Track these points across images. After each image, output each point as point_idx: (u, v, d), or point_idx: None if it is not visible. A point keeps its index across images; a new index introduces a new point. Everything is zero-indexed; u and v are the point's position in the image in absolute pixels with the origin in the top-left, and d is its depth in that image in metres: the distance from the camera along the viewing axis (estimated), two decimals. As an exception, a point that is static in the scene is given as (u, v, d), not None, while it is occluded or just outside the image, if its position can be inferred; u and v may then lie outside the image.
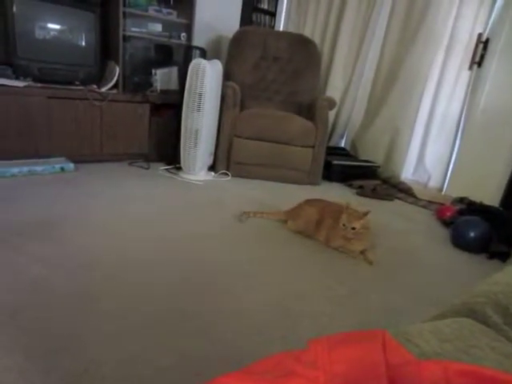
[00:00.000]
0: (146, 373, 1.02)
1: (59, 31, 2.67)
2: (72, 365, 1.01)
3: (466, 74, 3.18)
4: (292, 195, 2.89)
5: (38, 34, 2.57)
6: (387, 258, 1.97)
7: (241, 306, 1.39)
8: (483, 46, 3.04)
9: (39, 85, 2.58)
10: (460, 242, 2.26)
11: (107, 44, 2.96)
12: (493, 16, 3.00)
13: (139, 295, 1.36)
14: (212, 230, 2.03)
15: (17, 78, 2.54)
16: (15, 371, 0.97)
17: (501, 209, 2.66)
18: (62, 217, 1.91)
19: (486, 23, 3.04)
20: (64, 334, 1.12)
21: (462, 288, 1.73)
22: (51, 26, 2.62)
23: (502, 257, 2.11)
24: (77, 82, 2.79)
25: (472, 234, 2.21)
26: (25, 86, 2.49)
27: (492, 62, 2.97)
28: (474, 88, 3.12)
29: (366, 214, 1.86)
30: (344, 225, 1.86)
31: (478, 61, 3.08)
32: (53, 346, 1.07)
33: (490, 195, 2.92)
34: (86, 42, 2.79)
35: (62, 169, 2.61)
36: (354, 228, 1.84)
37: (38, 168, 2.50)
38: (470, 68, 3.14)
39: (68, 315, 1.21)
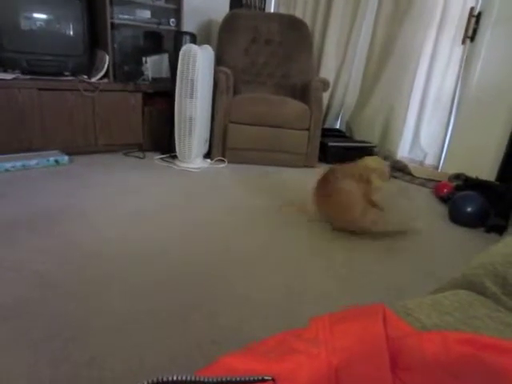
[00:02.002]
0: (159, 360, 1.03)
1: (45, 21, 2.62)
2: (79, 356, 1.02)
3: (459, 49, 3.15)
4: (289, 178, 2.89)
5: (24, 24, 2.51)
6: (387, 236, 1.98)
7: (246, 291, 1.40)
8: (475, 20, 3.00)
9: (28, 77, 2.54)
10: (458, 218, 2.27)
11: (95, 33, 2.91)
12: (485, -12, 2.95)
13: (142, 286, 1.37)
14: (212, 216, 2.04)
15: (4, 71, 2.50)
16: (23, 364, 0.98)
17: (497, 183, 2.67)
18: (58, 210, 1.91)
19: (479, -4, 3.00)
20: (70, 326, 1.13)
21: (461, 262, 1.75)
22: (37, 15, 2.57)
23: (499, 230, 2.13)
24: (66, 73, 2.75)
25: (469, 209, 2.22)
26: (13, 79, 2.45)
27: (485, 36, 2.94)
28: (467, 63, 3.09)
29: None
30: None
31: (471, 35, 3.04)
32: (58, 338, 1.08)
33: (486, 170, 2.93)
34: (73, 32, 2.74)
35: (57, 162, 2.59)
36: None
37: (32, 162, 2.48)
38: (463, 43, 3.11)
39: (73, 307, 1.21)
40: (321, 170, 1.95)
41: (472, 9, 3.02)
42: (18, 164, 2.43)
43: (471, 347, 0.37)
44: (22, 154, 2.52)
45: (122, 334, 1.11)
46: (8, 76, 2.44)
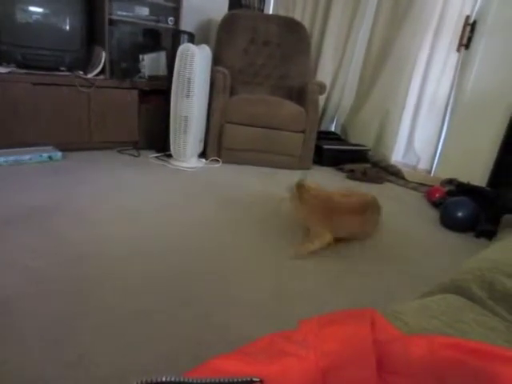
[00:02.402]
0: (145, 360, 1.03)
1: (42, 14, 2.60)
2: (68, 354, 1.02)
3: (454, 56, 3.18)
4: (283, 180, 2.89)
5: (20, 17, 2.49)
6: (378, 239, 1.99)
7: (236, 291, 1.40)
8: (470, 28, 3.04)
9: (23, 71, 2.52)
10: (448, 222, 2.30)
11: (93, 28, 2.89)
12: (480, -2, 2.99)
13: (132, 284, 1.37)
14: (205, 216, 2.04)
15: None
16: (10, 362, 0.97)
17: (488, 189, 2.70)
18: (50, 206, 1.90)
19: (474, 5, 3.03)
20: (59, 324, 1.12)
21: (450, 266, 1.77)
22: (34, 8, 2.55)
23: (489, 235, 2.15)
24: (62, 68, 2.74)
25: (460, 214, 2.25)
26: (8, 73, 2.43)
27: (479, 44, 2.98)
28: (462, 70, 3.13)
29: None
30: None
31: (466, 43, 3.08)
32: (48, 335, 1.07)
33: (477, 175, 2.96)
34: (70, 26, 2.72)
35: (50, 157, 2.58)
36: None
37: (25, 157, 2.47)
38: (458, 50, 3.14)
39: (62, 305, 1.21)
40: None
41: (467, 17, 3.05)
42: (11, 159, 2.41)
43: (457, 352, 0.38)
44: (15, 149, 2.50)
45: (112, 333, 1.11)
46: (3, 70, 2.42)
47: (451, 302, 0.58)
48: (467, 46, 3.07)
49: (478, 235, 2.19)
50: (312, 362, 0.41)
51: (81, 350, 1.03)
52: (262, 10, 4.25)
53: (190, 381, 0.35)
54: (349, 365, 0.39)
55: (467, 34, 3.06)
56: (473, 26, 3.02)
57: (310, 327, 0.44)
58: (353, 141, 3.77)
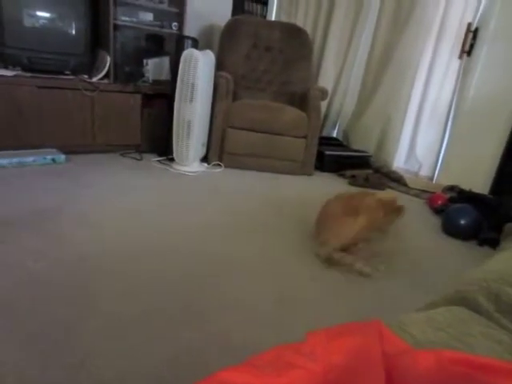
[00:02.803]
0: (146, 363, 1.03)
1: (48, 19, 2.62)
2: (68, 358, 1.02)
3: (456, 63, 3.19)
4: (285, 185, 2.90)
5: (27, 21, 2.51)
6: (381, 246, 1.99)
7: (240, 296, 1.40)
8: (472, 35, 3.05)
9: (28, 74, 2.53)
10: (451, 230, 2.29)
11: (98, 33, 2.91)
12: (482, 5, 3.00)
13: (137, 287, 1.37)
14: (208, 221, 2.04)
15: (5, 68, 2.49)
16: (10, 364, 0.97)
17: (490, 196, 2.70)
18: (53, 208, 1.90)
19: (476, 12, 3.05)
20: (60, 327, 1.12)
21: (454, 275, 1.77)
22: (40, 13, 2.57)
23: (492, 243, 2.15)
24: (67, 72, 2.75)
25: (462, 222, 2.25)
26: (14, 76, 2.45)
27: (481, 51, 2.99)
28: (463, 77, 3.13)
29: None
30: None
31: (468, 50, 3.09)
32: (49, 338, 1.07)
33: (480, 183, 2.96)
34: (76, 31, 2.74)
35: (53, 160, 2.58)
36: None
37: (29, 159, 2.47)
38: (460, 57, 3.16)
39: (64, 308, 1.21)
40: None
41: (469, 24, 3.06)
42: (15, 161, 2.42)
43: (465, 367, 0.38)
44: (19, 151, 2.51)
45: (114, 336, 1.11)
46: (8, 73, 2.43)
47: (457, 314, 0.58)
48: (469, 53, 3.08)
49: (482, 243, 2.18)
50: (320, 374, 0.41)
51: (82, 353, 1.03)
52: (265, 16, 4.28)
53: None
54: (358, 377, 0.40)
55: (469, 40, 3.07)
56: (475, 32, 3.03)
57: (318, 339, 0.44)
58: (354, 147, 3.78)
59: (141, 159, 2.99)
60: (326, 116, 3.99)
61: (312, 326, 0.49)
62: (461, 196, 2.69)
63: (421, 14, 3.23)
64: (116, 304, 1.26)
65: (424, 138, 3.45)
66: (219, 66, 3.21)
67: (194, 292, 1.39)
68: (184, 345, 1.11)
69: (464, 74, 3.13)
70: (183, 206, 2.19)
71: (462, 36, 3.10)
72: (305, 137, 3.12)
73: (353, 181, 3.18)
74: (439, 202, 2.68)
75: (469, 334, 0.53)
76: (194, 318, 1.24)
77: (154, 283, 1.41)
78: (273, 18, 4.22)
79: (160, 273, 1.48)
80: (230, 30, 3.40)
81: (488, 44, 2.95)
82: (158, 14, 3.17)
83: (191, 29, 3.35)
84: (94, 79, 2.82)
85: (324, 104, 3.61)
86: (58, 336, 1.08)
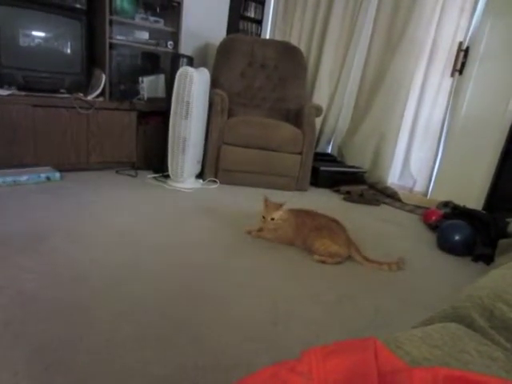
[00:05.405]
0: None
1: (44, 39, 2.65)
2: (61, 381, 1.00)
3: (448, 81, 3.26)
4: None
5: (23, 41, 2.54)
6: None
7: (232, 314, 1.39)
8: (464, 54, 3.12)
9: (24, 93, 2.55)
10: (445, 246, 2.30)
11: (93, 52, 2.95)
12: (472, 25, 3.09)
13: (130, 306, 1.35)
14: (203, 237, 2.03)
15: (0, 87, 2.50)
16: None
17: (484, 212, 2.72)
18: (48, 227, 1.89)
19: (467, 32, 3.13)
20: (56, 347, 1.10)
21: (449, 290, 1.77)
22: (36, 33, 2.60)
23: (486, 259, 2.15)
24: (62, 90, 2.77)
25: (457, 238, 2.25)
26: (9, 95, 2.46)
27: (472, 70, 3.06)
28: (455, 95, 3.20)
29: (281, 205, 2.06)
30: (264, 217, 2.04)
31: (459, 68, 3.16)
32: (45, 359, 1.05)
33: (473, 199, 2.99)
34: (71, 50, 2.77)
35: (48, 178, 2.58)
36: (272, 219, 2.03)
37: (23, 178, 2.47)
38: (452, 75, 3.22)
39: (59, 328, 1.19)
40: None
41: (460, 43, 3.14)
42: (9, 179, 2.41)
43: (460, 385, 0.38)
44: (14, 170, 2.50)
45: (107, 358, 1.09)
46: (4, 92, 2.45)
47: (452, 331, 0.58)
48: (461, 72, 3.15)
49: (476, 259, 2.19)
50: (316, 394, 0.40)
51: (74, 376, 1.01)
52: (259, 35, 4.37)
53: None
54: (353, 397, 0.39)
55: (461, 59, 3.14)
56: (466, 51, 3.11)
57: (315, 358, 0.44)
58: (349, 163, 3.81)
59: (136, 176, 2.99)
60: (321, 132, 4.03)
61: (307, 340, 0.48)
62: (455, 212, 2.70)
63: (413, 33, 3.31)
64: (109, 324, 1.24)
65: (418, 155, 3.50)
66: (214, 83, 3.25)
67: (190, 309, 1.37)
68: (179, 364, 1.10)
69: (456, 93, 3.19)
70: (178, 224, 2.19)
71: (454, 55, 3.18)
72: (300, 153, 3.15)
73: (348, 197, 3.19)
74: (433, 218, 2.69)
75: (464, 351, 0.53)
76: (189, 337, 1.22)
77: (148, 302, 1.39)
78: (267, 37, 4.30)
79: (155, 291, 1.46)
80: (226, 48, 3.45)
81: (479, 63, 3.02)
82: (154, 33, 3.22)
83: (186, 47, 3.41)
84: (90, 97, 2.84)
85: (318, 120, 3.66)
86: (48, 358, 1.06)
